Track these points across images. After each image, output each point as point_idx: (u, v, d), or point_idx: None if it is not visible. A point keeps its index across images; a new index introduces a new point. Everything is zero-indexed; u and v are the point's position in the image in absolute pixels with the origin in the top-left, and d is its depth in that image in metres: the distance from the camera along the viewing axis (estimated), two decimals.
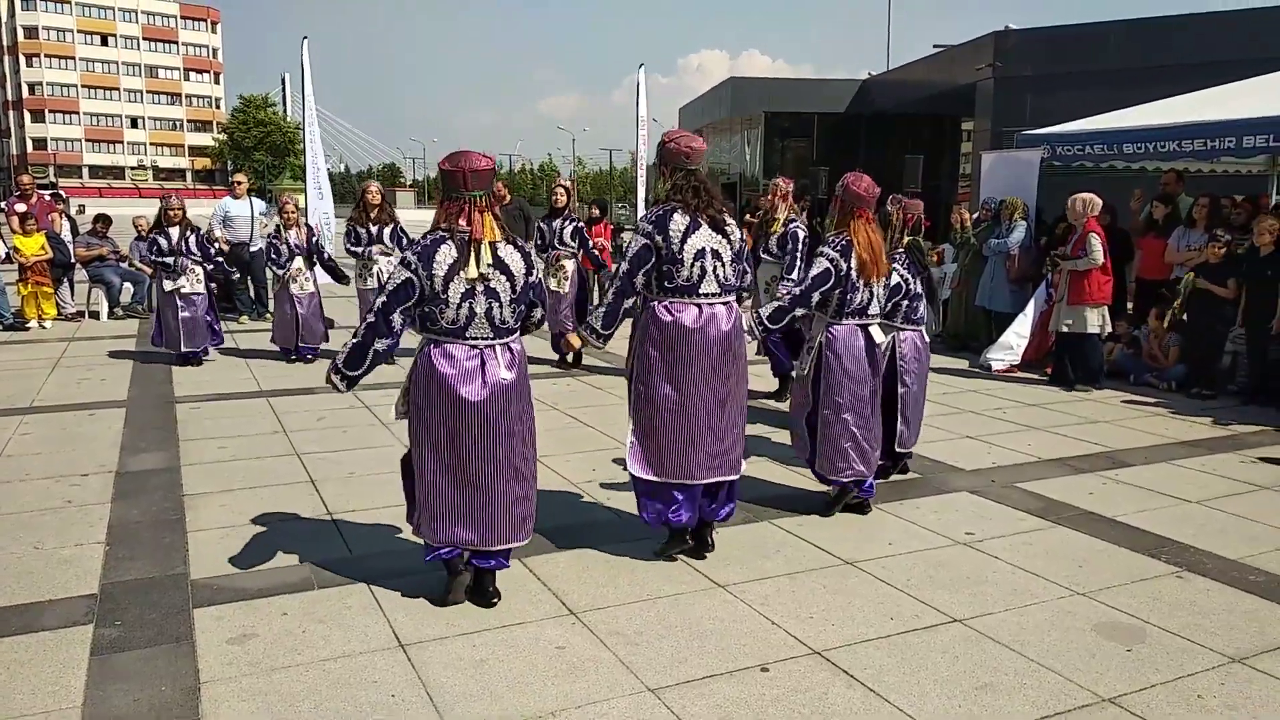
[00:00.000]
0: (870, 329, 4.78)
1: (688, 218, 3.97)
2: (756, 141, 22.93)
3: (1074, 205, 8.17)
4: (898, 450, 5.37)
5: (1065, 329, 8.18)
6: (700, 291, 3.99)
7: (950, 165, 22.57)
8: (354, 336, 3.60)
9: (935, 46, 23.96)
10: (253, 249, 11.69)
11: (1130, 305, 9.41)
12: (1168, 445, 6.43)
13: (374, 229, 8.71)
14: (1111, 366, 8.71)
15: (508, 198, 13.17)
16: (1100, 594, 3.91)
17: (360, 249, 8.68)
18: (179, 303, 8.59)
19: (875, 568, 4.17)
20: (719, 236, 4.01)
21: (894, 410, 5.25)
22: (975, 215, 10.63)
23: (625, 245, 4.12)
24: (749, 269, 4.28)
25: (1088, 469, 5.79)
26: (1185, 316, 8.20)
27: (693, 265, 3.95)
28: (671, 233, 3.94)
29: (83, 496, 4.99)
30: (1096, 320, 8.09)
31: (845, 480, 4.78)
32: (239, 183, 12.11)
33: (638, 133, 15.98)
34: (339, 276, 9.42)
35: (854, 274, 4.65)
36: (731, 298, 4.11)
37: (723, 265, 4.01)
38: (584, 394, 7.84)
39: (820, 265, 4.68)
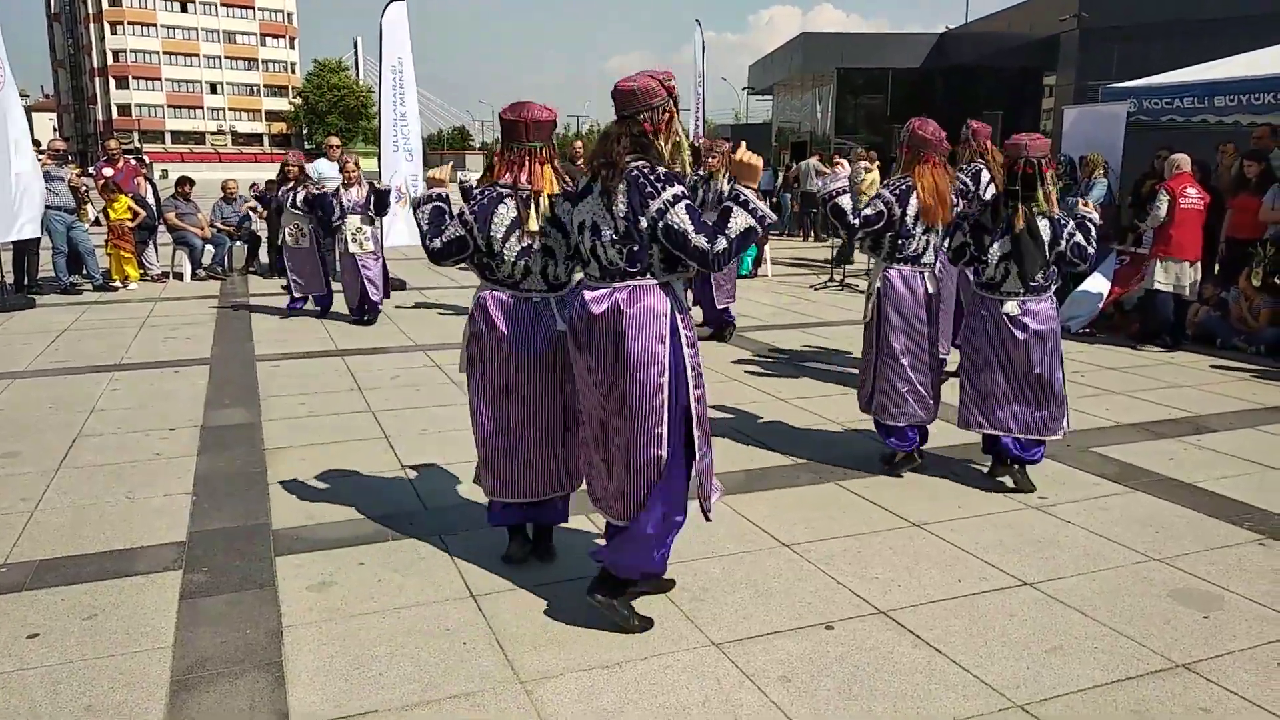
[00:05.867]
0: (925, 276, 4.73)
1: (585, 178, 3.26)
2: (829, 99, 22.51)
3: (1163, 168, 8.29)
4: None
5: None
6: (588, 270, 3.22)
7: (1030, 121, 21.86)
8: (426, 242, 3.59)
9: None
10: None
11: (1218, 266, 9.04)
12: (1254, 411, 6.21)
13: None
14: (1197, 329, 8.44)
15: (582, 159, 13.19)
16: (1178, 560, 3.82)
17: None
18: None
19: (943, 530, 4.13)
20: (601, 208, 3.10)
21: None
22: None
23: None
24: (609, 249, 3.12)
25: (1168, 434, 5.63)
26: (1278, 279, 7.89)
27: (579, 237, 3.24)
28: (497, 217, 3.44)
29: (170, 449, 5.21)
30: (1164, 276, 8.08)
31: (901, 424, 4.78)
32: (333, 146, 12.30)
33: (693, 90, 15.48)
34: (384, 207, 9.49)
35: (909, 220, 4.61)
36: (619, 284, 3.09)
37: (601, 244, 3.09)
38: None
39: (874, 207, 4.65)
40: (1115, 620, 3.32)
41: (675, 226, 2.98)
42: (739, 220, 3.00)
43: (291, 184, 9.48)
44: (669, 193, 3.00)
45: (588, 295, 3.13)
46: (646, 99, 3.05)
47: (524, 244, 3.46)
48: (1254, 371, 7.36)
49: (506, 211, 3.46)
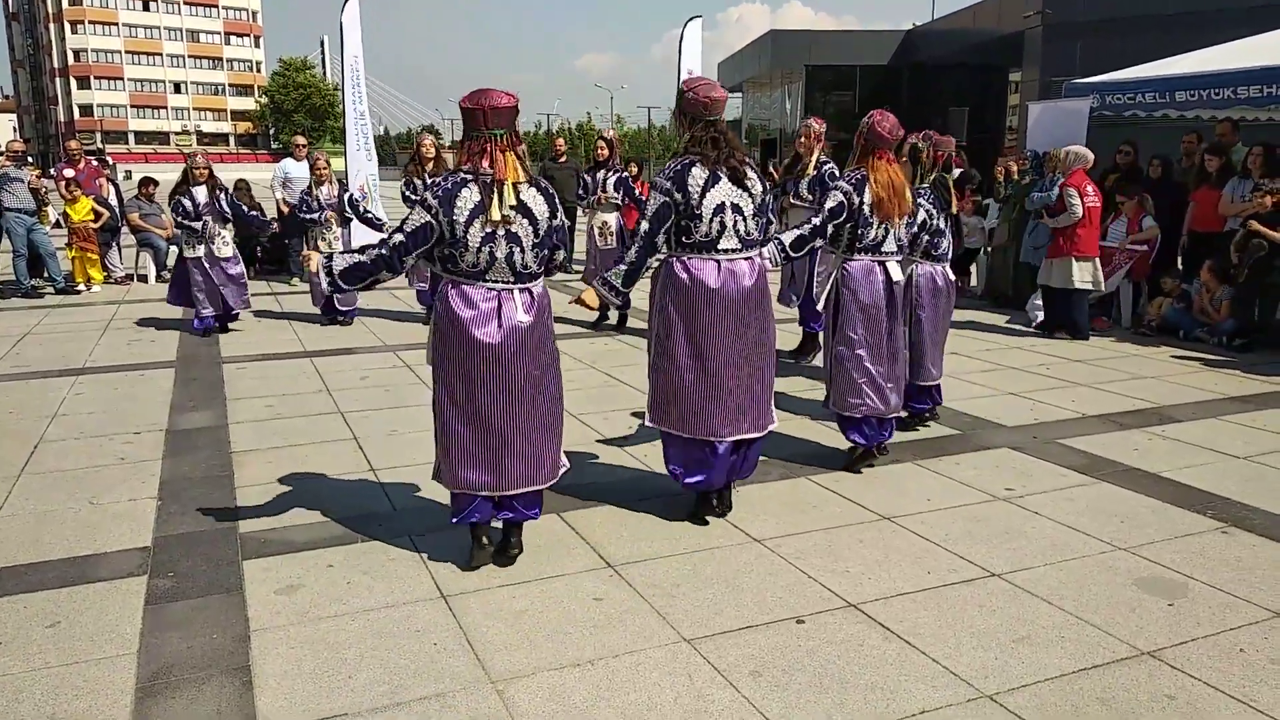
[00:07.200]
0: (888, 265, 4.74)
1: (706, 171, 3.84)
2: (797, 95, 22.60)
3: (1063, 157, 8.34)
4: (918, 384, 5.45)
5: (1051, 283, 8.44)
6: (719, 247, 3.89)
7: (996, 117, 22.08)
8: (363, 255, 3.51)
9: None
10: None
11: (1180, 259, 9.18)
12: (1216, 401, 6.30)
13: (430, 181, 8.67)
14: (1161, 322, 8.58)
15: (565, 157, 13.20)
16: (1143, 549, 3.88)
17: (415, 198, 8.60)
18: (207, 266, 8.35)
19: (913, 523, 4.16)
20: (740, 190, 3.89)
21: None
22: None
23: (647, 203, 4.00)
24: (774, 220, 4.27)
25: (1133, 425, 5.70)
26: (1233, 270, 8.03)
27: (712, 220, 3.85)
28: (690, 187, 3.83)
29: (135, 454, 5.14)
30: (1082, 274, 8.22)
31: (858, 416, 4.77)
32: (299, 145, 12.16)
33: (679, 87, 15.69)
34: (379, 229, 9.33)
35: (867, 209, 4.64)
36: (754, 252, 4.01)
37: (744, 219, 3.91)
38: (623, 353, 7.87)
39: (835, 198, 4.67)
40: (1082, 609, 3.36)
41: (770, 206, 4.17)
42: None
43: (206, 188, 8.37)
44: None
45: (731, 264, 3.90)
46: (724, 104, 3.97)
47: (486, 230, 3.43)
48: (1215, 362, 7.48)
49: (470, 196, 3.41)
